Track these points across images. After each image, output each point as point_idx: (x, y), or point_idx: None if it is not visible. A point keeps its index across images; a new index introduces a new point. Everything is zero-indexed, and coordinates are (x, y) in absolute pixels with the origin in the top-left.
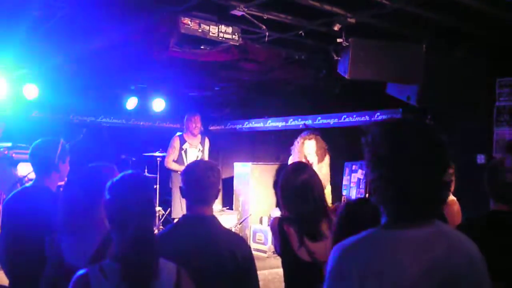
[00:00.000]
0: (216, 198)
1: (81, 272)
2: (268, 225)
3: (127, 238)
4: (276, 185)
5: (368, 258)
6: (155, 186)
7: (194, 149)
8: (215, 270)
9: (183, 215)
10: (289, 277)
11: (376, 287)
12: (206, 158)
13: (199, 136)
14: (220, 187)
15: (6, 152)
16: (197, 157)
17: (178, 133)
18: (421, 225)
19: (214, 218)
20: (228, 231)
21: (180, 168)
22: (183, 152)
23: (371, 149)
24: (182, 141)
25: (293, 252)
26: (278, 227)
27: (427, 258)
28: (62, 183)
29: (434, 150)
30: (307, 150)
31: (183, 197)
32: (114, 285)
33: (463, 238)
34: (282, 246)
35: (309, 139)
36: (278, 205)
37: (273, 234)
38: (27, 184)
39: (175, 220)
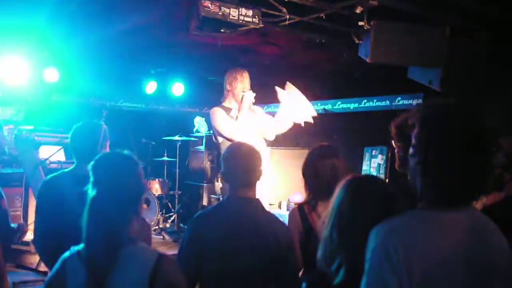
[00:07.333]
0: (259, 179)
1: (63, 256)
2: (288, 209)
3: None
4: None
5: (414, 238)
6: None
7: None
8: (257, 252)
9: (227, 196)
10: None
11: (422, 266)
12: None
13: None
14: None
15: (27, 135)
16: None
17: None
18: (460, 209)
19: (259, 201)
20: (273, 215)
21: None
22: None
23: (421, 132)
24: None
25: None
26: (299, 214)
27: (471, 240)
28: None
29: (485, 138)
30: None
31: (225, 181)
32: (77, 270)
33: (494, 226)
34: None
35: None
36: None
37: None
38: (66, 169)
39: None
